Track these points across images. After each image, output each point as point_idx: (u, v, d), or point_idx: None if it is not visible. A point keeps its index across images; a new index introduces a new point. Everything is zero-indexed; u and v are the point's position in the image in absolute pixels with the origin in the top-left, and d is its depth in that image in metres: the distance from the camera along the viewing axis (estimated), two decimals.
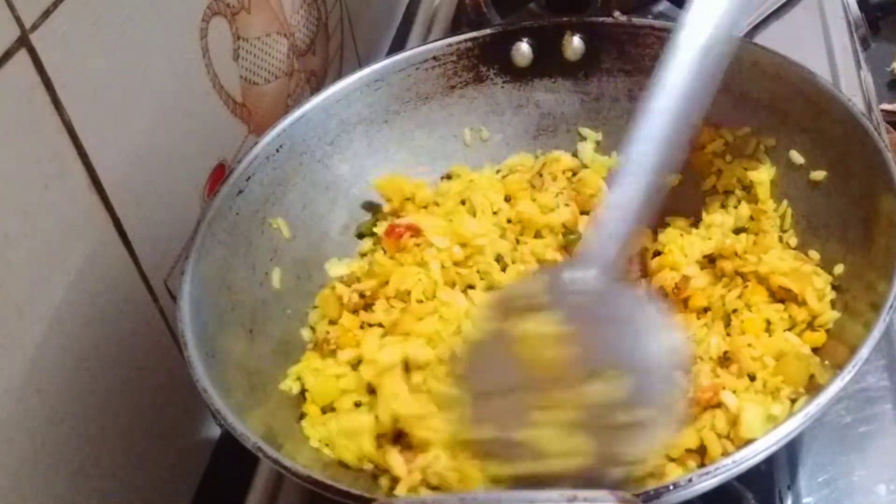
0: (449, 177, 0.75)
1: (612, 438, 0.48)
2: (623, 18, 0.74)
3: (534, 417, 0.49)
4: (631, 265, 0.63)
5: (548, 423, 0.49)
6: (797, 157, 0.67)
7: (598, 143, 0.77)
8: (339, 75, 0.91)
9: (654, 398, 0.49)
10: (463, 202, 0.72)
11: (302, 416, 0.61)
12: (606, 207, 0.55)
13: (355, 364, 0.62)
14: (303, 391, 0.62)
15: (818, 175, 0.65)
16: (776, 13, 0.97)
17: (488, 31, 0.76)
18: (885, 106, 1.01)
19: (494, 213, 0.71)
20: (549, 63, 0.77)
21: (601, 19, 0.75)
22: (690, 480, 0.47)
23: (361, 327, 0.65)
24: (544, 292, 0.52)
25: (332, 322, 0.66)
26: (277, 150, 0.70)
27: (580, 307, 0.52)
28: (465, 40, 0.76)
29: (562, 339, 0.50)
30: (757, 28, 0.96)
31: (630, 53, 0.74)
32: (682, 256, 0.64)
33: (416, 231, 0.67)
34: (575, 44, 0.75)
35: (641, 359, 0.50)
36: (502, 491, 0.52)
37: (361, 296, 0.66)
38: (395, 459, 0.56)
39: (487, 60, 0.77)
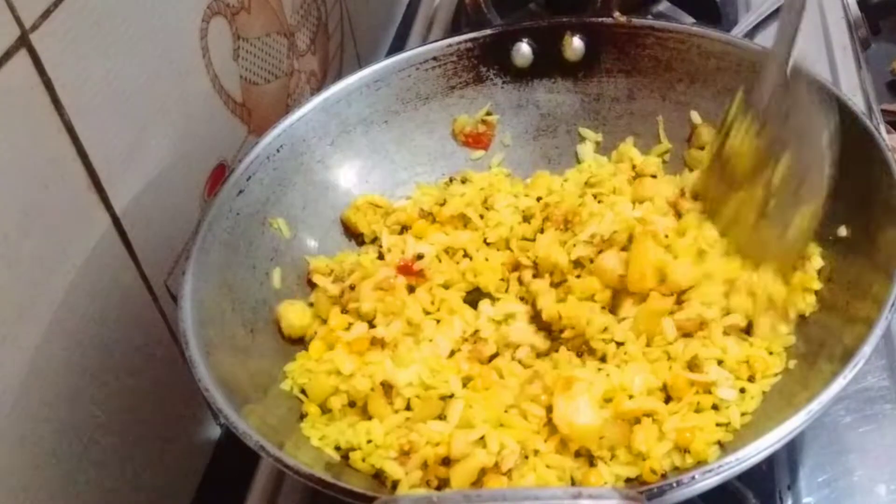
0: (456, 181, 0.75)
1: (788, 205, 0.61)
2: (623, 19, 0.74)
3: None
4: None
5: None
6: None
7: (597, 143, 0.77)
8: (339, 75, 0.92)
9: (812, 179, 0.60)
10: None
11: (303, 415, 0.61)
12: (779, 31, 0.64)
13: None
14: (303, 390, 0.63)
15: None
16: (776, 13, 0.97)
17: (488, 31, 0.76)
18: (886, 106, 1.01)
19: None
20: (549, 63, 0.77)
21: (601, 20, 0.75)
22: (693, 478, 0.48)
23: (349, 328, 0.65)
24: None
25: (324, 320, 0.66)
26: (278, 151, 0.70)
27: (770, 110, 0.63)
28: (466, 41, 0.76)
29: (753, 146, 0.63)
30: (757, 28, 0.96)
31: (630, 54, 0.74)
32: None
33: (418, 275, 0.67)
34: (575, 44, 0.76)
35: (807, 151, 0.61)
36: (506, 488, 0.53)
37: (352, 288, 0.66)
38: (390, 465, 0.56)
39: (488, 61, 0.77)
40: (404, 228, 0.73)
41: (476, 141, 0.78)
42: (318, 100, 0.73)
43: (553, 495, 0.46)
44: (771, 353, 0.59)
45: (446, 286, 0.67)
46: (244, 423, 0.52)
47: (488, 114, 0.78)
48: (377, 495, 0.48)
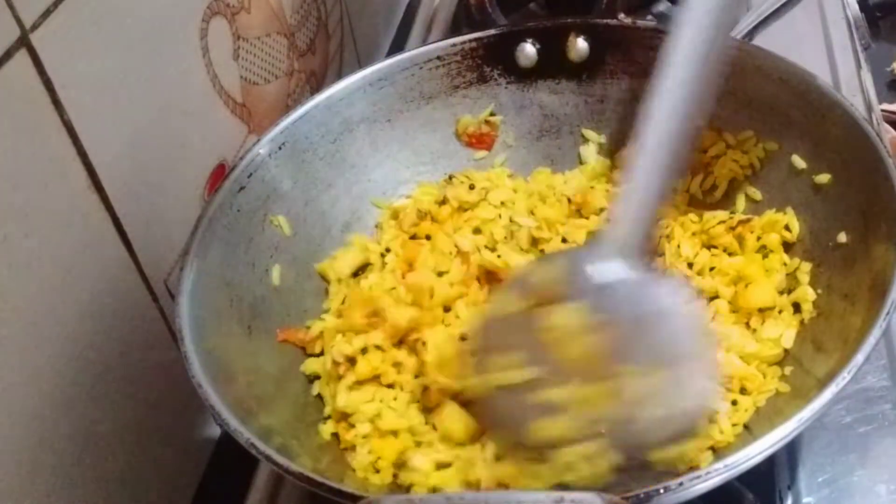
0: (457, 178, 0.75)
1: (631, 435, 0.47)
2: (628, 20, 0.74)
3: (556, 409, 0.47)
4: (654, 255, 0.59)
5: (570, 417, 0.47)
6: (799, 161, 0.67)
7: (600, 145, 0.77)
8: (339, 75, 0.91)
9: (682, 395, 0.47)
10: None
11: (297, 412, 0.61)
12: (626, 194, 0.53)
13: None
14: (306, 389, 0.63)
15: (822, 178, 0.65)
16: (776, 13, 0.97)
17: (493, 31, 0.76)
18: (886, 106, 1.01)
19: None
20: (552, 64, 0.77)
21: (606, 21, 0.75)
22: (681, 484, 0.47)
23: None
24: (568, 280, 0.51)
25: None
26: (280, 148, 0.70)
27: (608, 298, 0.50)
28: (470, 40, 0.76)
29: (590, 331, 0.48)
30: (757, 28, 0.96)
31: (634, 55, 0.74)
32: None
33: None
34: (579, 45, 0.75)
35: (672, 354, 0.48)
36: (489, 492, 0.53)
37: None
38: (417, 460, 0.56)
39: (491, 61, 0.77)
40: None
41: (479, 141, 0.78)
42: (320, 98, 0.73)
43: (535, 500, 0.46)
44: (765, 376, 0.59)
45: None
46: (236, 421, 0.52)
47: (491, 114, 0.78)
48: (364, 495, 0.48)
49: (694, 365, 0.48)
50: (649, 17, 1.02)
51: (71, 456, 0.59)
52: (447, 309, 0.65)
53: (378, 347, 0.62)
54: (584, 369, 0.48)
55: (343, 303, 0.67)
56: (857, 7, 1.00)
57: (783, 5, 0.98)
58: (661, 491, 0.47)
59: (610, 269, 0.51)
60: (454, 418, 0.56)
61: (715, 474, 0.48)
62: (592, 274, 0.51)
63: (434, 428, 0.58)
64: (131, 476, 0.65)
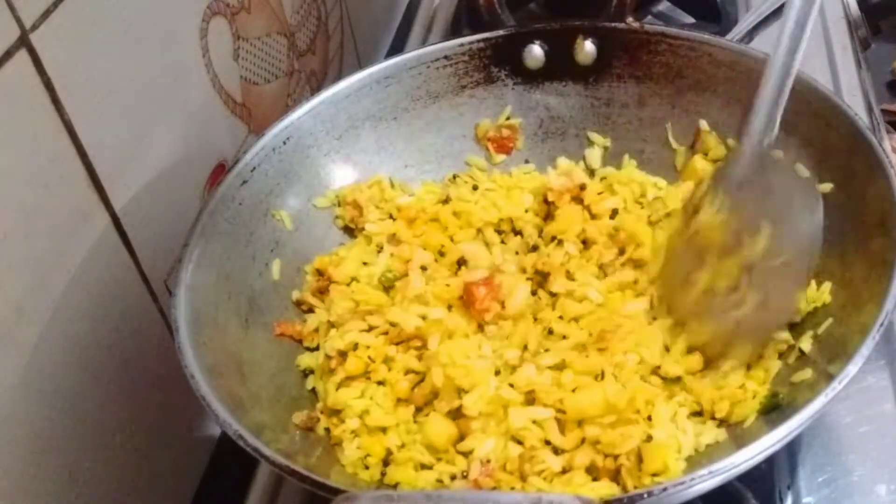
0: (460, 178, 0.75)
1: (768, 281, 0.59)
2: (636, 24, 0.73)
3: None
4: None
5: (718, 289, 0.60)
6: (803, 170, 0.66)
7: (606, 148, 0.77)
8: (339, 75, 0.92)
9: (794, 244, 0.59)
10: None
11: (291, 406, 0.61)
12: (756, 109, 0.63)
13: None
14: (301, 383, 0.63)
15: (825, 187, 0.64)
16: (776, 13, 0.97)
17: (501, 32, 0.76)
18: (886, 106, 1.01)
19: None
20: (560, 66, 0.76)
21: (614, 24, 0.75)
22: (682, 483, 0.47)
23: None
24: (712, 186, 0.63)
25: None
26: (284, 143, 0.70)
27: (741, 193, 0.62)
28: (478, 41, 0.76)
29: (726, 221, 0.61)
30: (757, 28, 0.96)
31: (641, 60, 0.74)
32: None
33: (494, 289, 0.64)
34: (587, 48, 0.75)
35: (784, 220, 0.60)
36: (467, 491, 0.53)
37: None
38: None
39: (499, 61, 0.76)
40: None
41: (501, 146, 0.77)
42: (327, 94, 0.73)
43: (513, 500, 0.46)
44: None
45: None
46: (226, 412, 0.52)
47: (508, 118, 0.78)
48: (345, 489, 0.47)
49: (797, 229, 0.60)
50: (649, 17, 1.02)
51: (71, 456, 0.59)
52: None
53: (367, 347, 0.62)
54: (725, 250, 0.60)
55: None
56: (856, 7, 1.00)
57: (783, 5, 0.98)
58: (645, 496, 0.47)
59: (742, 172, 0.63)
60: (437, 427, 0.58)
61: (715, 474, 0.48)
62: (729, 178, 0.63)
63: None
64: (132, 476, 0.65)
